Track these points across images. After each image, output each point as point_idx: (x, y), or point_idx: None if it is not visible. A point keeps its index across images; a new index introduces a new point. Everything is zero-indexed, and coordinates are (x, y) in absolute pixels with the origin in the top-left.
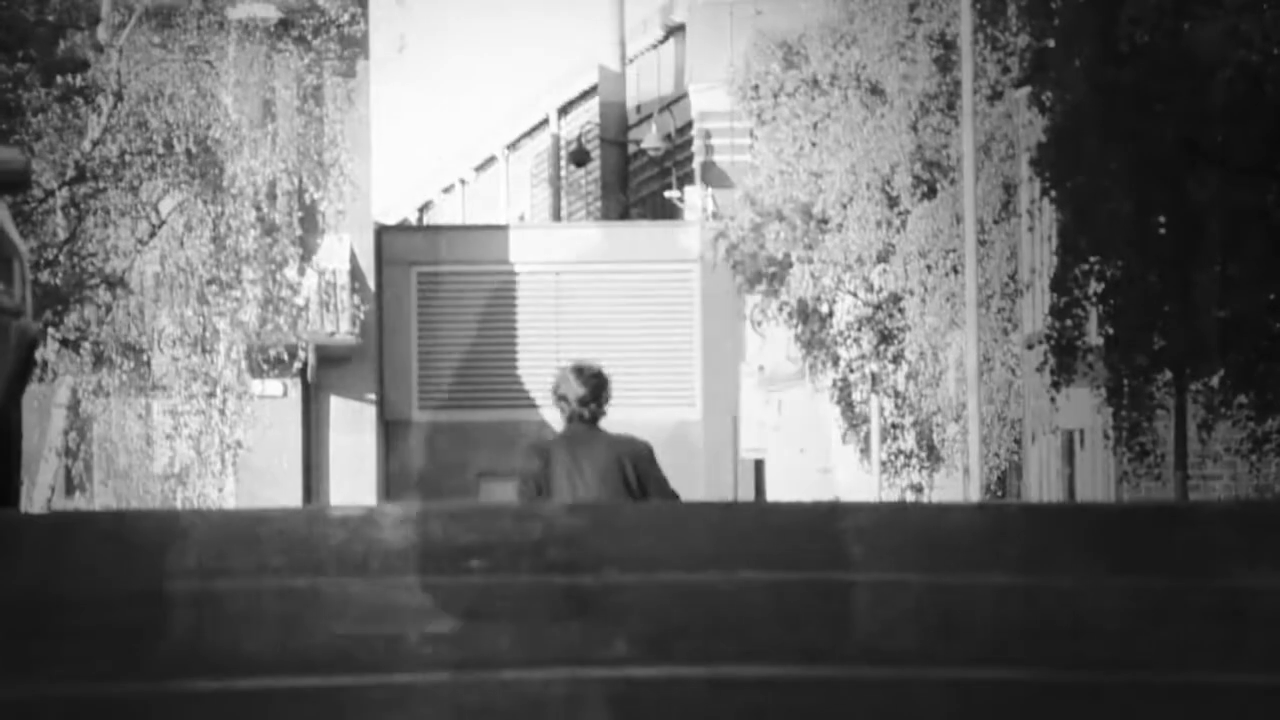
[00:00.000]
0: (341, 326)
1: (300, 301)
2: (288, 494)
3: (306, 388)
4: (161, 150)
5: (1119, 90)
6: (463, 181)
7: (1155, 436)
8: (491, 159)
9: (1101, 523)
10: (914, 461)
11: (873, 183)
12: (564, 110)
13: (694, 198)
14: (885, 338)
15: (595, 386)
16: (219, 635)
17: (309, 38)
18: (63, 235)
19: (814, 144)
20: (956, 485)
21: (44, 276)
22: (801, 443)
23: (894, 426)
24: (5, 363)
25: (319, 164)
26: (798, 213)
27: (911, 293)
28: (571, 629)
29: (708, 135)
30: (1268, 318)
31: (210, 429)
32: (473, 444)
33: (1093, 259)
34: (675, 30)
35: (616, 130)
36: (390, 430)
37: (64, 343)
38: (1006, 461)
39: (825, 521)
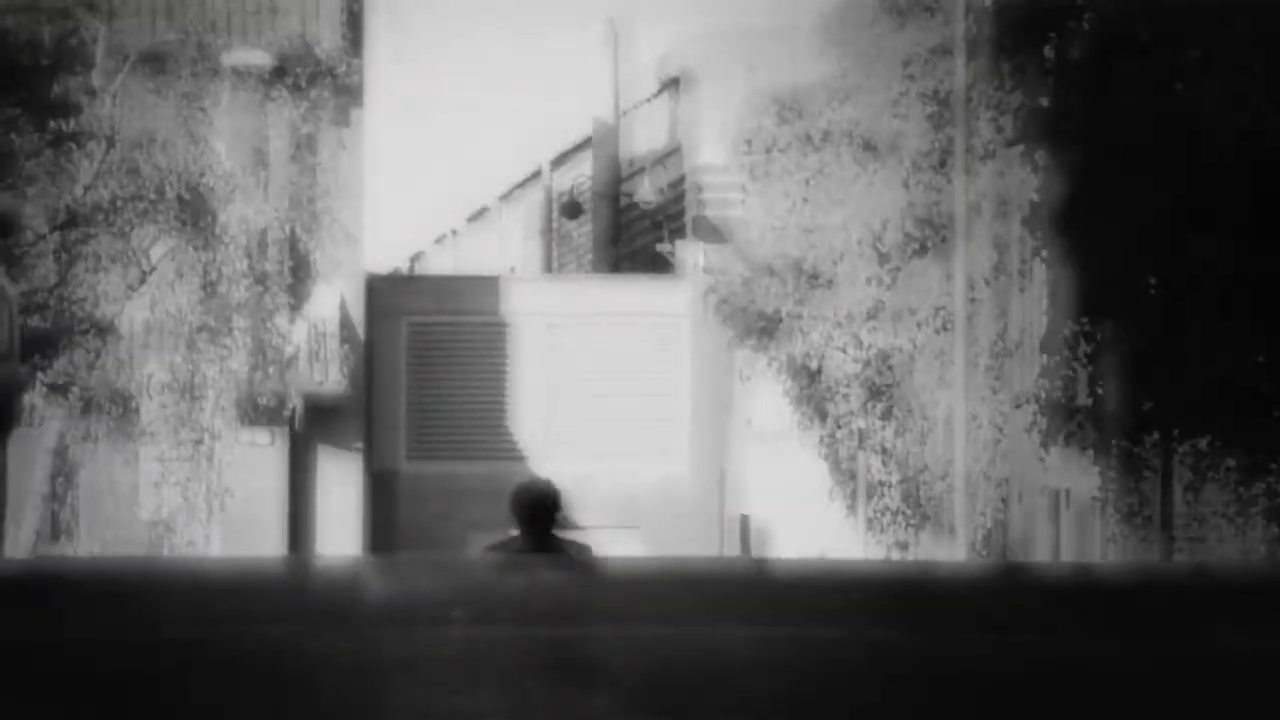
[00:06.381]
0: (330, 376)
1: (290, 350)
2: (274, 543)
3: (294, 437)
4: (153, 196)
5: (1112, 150)
6: (455, 232)
7: (1143, 498)
8: (484, 210)
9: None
10: (900, 519)
11: (864, 239)
12: (557, 163)
13: (686, 252)
14: (874, 394)
15: (543, 504)
16: (204, 685)
17: (304, 85)
18: (53, 280)
19: (806, 200)
20: (943, 543)
21: (33, 321)
22: (788, 498)
23: (881, 483)
24: None
25: (312, 213)
26: (789, 268)
27: (901, 350)
28: (555, 683)
29: (700, 189)
30: (1257, 380)
31: (198, 476)
32: (461, 495)
33: (1083, 319)
34: (669, 84)
35: (609, 183)
36: (377, 480)
37: (52, 387)
38: (993, 520)
39: (810, 578)
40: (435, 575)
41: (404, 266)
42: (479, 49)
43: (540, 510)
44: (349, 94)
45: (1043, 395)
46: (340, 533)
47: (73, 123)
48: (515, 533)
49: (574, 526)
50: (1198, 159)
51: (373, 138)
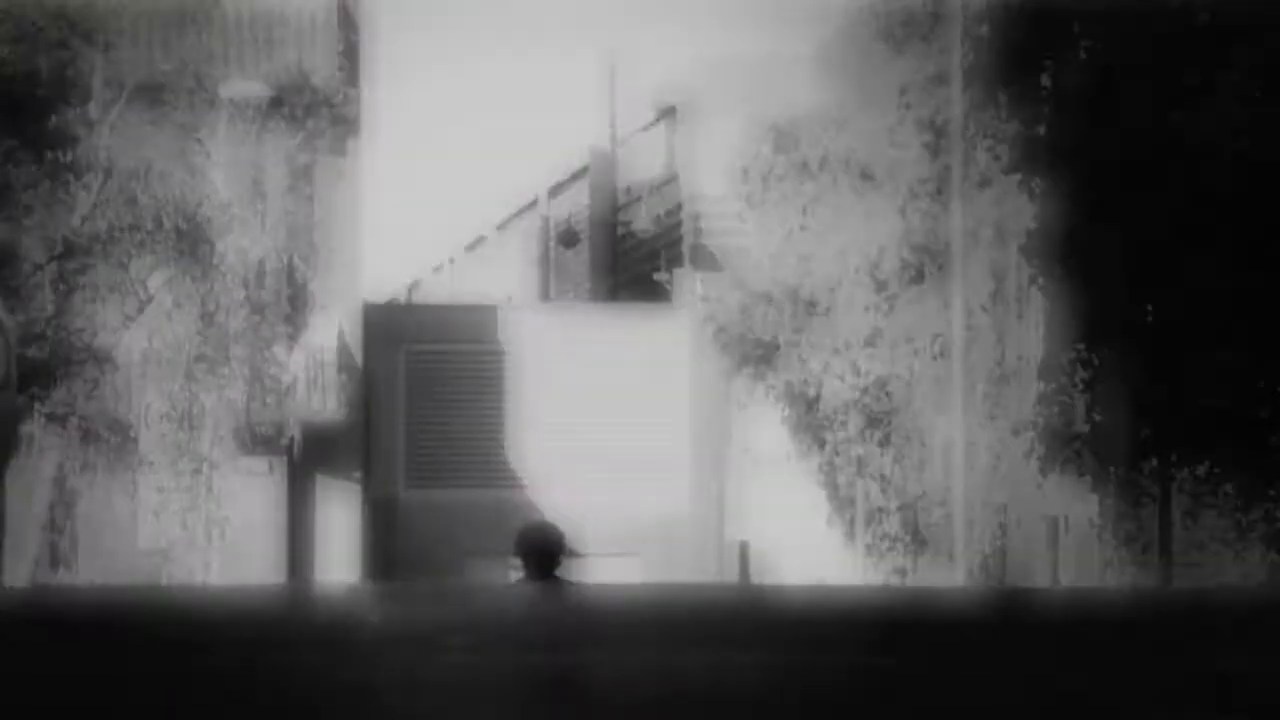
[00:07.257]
0: (328, 405)
1: (288, 380)
2: (272, 571)
3: (293, 465)
4: (150, 227)
5: (1110, 177)
6: (452, 261)
7: (1141, 524)
8: (481, 239)
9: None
10: (899, 546)
11: (861, 267)
12: (554, 191)
13: (683, 280)
14: (872, 421)
15: (548, 548)
16: (203, 711)
17: (300, 116)
18: (50, 310)
19: (803, 228)
20: (941, 570)
21: (31, 351)
22: (787, 526)
23: (879, 510)
24: None
25: (309, 243)
26: (786, 296)
27: (898, 377)
28: (552, 708)
29: (697, 218)
30: (1255, 406)
31: (196, 506)
32: (459, 523)
33: (1081, 346)
34: (666, 113)
35: (606, 212)
36: (376, 508)
37: (50, 418)
38: (991, 547)
39: (809, 604)
40: (434, 602)
41: (402, 295)
42: (476, 79)
43: (545, 553)
44: (346, 124)
45: (1041, 422)
46: (338, 561)
47: (69, 154)
48: (521, 575)
49: (578, 557)
50: (1196, 185)
51: (370, 168)
